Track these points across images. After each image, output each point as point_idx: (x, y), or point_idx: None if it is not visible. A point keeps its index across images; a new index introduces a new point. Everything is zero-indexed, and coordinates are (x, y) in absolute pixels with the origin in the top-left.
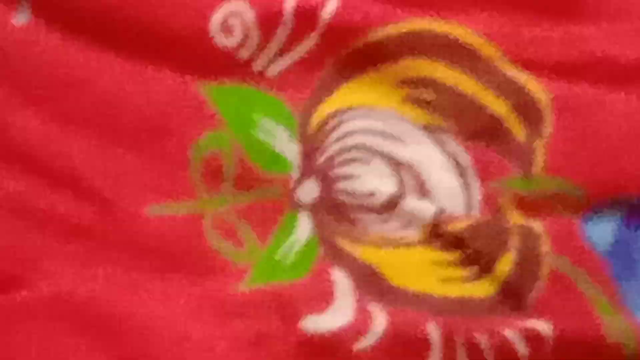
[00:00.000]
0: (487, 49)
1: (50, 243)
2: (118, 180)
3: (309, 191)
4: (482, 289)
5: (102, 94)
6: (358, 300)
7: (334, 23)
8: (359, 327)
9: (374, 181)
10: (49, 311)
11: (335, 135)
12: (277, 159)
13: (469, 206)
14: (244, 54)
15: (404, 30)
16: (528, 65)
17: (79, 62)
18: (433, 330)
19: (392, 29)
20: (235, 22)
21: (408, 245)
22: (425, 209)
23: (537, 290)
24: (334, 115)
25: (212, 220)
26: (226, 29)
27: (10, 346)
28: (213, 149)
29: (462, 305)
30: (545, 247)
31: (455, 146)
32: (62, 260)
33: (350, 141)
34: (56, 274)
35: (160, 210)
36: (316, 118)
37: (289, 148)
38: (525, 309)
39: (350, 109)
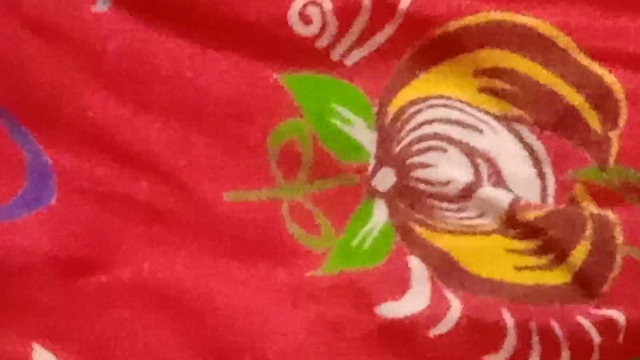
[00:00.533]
0: (563, 40)
1: (131, 228)
2: (198, 167)
3: (385, 179)
4: (556, 277)
5: (182, 82)
6: (434, 287)
7: (411, 13)
8: (435, 313)
9: (450, 170)
10: (129, 295)
11: (412, 124)
12: (354, 147)
13: (544, 195)
14: (322, 43)
15: (480, 21)
16: (602, 56)
17: (158, 50)
18: (508, 317)
19: (469, 20)
20: (314, 12)
21: (483, 233)
22: (501, 197)
23: (611, 279)
24: (410, 104)
25: (289, 207)
26: (305, 18)
27: (90, 330)
28: (291, 136)
29: (537, 293)
30: (619, 236)
31: (531, 136)
32: (143, 244)
33: (427, 130)
34: (136, 259)
35: (239, 197)
36: (393, 107)
37: (366, 136)
38: (598, 297)
39: (427, 98)
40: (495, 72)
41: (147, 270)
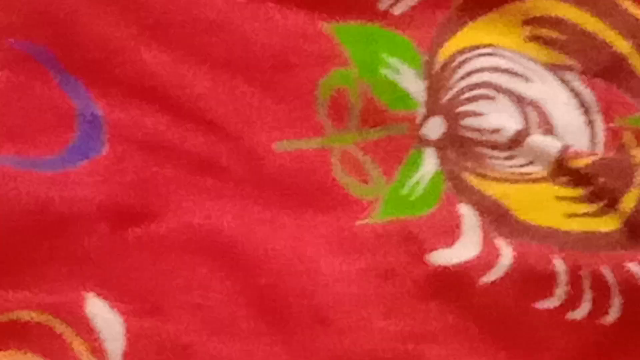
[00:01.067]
0: None
1: (181, 177)
2: (247, 117)
3: (435, 128)
4: (606, 224)
5: (231, 34)
6: (485, 234)
7: None
8: (486, 260)
9: (499, 118)
10: (179, 244)
11: (460, 73)
12: (403, 96)
13: (593, 143)
14: None
15: None
16: None
17: (207, 3)
18: (559, 264)
19: None
20: None
21: (533, 180)
22: (550, 145)
23: None
24: (459, 53)
25: (339, 156)
26: None
27: (142, 279)
28: (339, 86)
29: (587, 240)
30: None
31: (580, 84)
32: (193, 194)
33: (475, 79)
34: (187, 208)
35: (288, 146)
36: (442, 56)
37: (415, 86)
38: None
39: (475, 47)
40: (543, 21)
41: (198, 220)
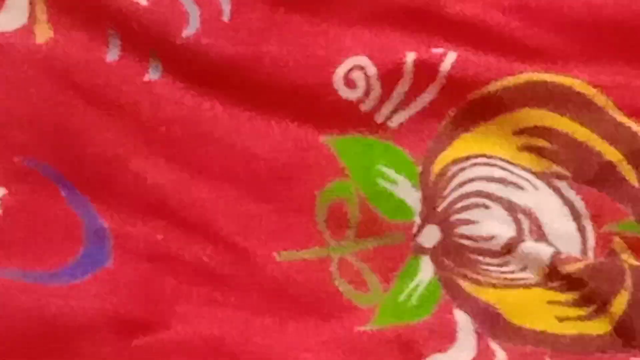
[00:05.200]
0: (600, 99)
1: (185, 288)
2: (249, 227)
3: (430, 236)
4: (597, 327)
5: (232, 147)
6: (479, 339)
7: (452, 76)
8: None
9: (493, 226)
10: (183, 353)
11: (455, 182)
12: (399, 206)
13: (584, 249)
14: (367, 106)
15: (520, 81)
16: (639, 113)
17: (209, 117)
18: None
19: (508, 81)
20: (358, 76)
21: (526, 286)
22: (542, 251)
23: None
24: (453, 163)
25: (338, 265)
26: (349, 82)
27: None
28: (338, 197)
29: (579, 343)
30: None
31: (570, 191)
32: (197, 304)
33: (469, 188)
34: (191, 317)
35: (290, 256)
36: (436, 166)
37: (410, 195)
38: (638, 346)
39: (469, 157)
40: (534, 131)
41: (201, 329)
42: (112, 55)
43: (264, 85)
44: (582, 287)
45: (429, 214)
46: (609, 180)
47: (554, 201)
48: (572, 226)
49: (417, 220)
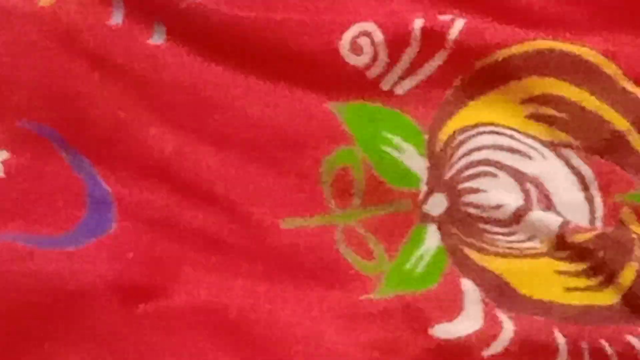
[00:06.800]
0: (609, 67)
1: (189, 254)
2: (254, 195)
3: (437, 204)
4: (606, 298)
5: (235, 112)
6: (486, 308)
7: (460, 43)
8: (488, 333)
9: (501, 194)
10: (187, 320)
11: (462, 150)
12: (405, 174)
13: (592, 218)
14: (373, 73)
15: (528, 49)
16: None
17: (212, 81)
18: (559, 337)
19: (516, 49)
20: (364, 42)
21: (534, 255)
22: (550, 221)
23: None
24: (460, 131)
25: (343, 233)
26: (356, 48)
27: (150, 355)
28: (343, 164)
29: (587, 313)
30: None
31: (579, 161)
32: (201, 271)
33: (477, 156)
34: (195, 284)
35: (294, 223)
36: (443, 134)
37: (417, 163)
38: None
39: (476, 125)
40: (542, 99)
41: (205, 296)
42: (116, 18)
43: (269, 51)
44: (591, 258)
45: (436, 182)
46: (618, 149)
47: (562, 170)
48: (580, 196)
49: (424, 188)
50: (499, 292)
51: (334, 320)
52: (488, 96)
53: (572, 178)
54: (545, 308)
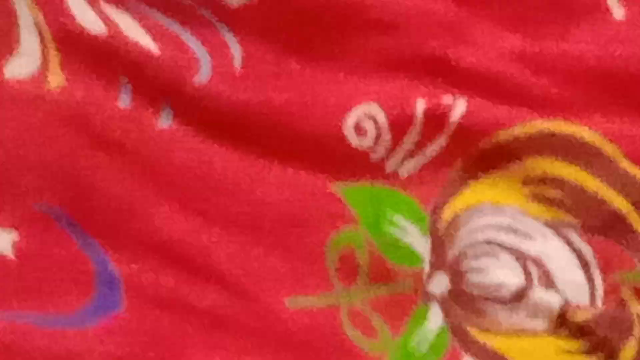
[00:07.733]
0: (608, 148)
1: (196, 334)
2: (259, 274)
3: (440, 284)
4: None
5: (242, 194)
6: None
7: (462, 125)
8: None
9: (502, 274)
10: None
11: (464, 230)
12: (409, 253)
13: (592, 297)
14: (377, 155)
15: (530, 130)
16: None
17: (220, 164)
18: None
19: (518, 130)
20: (368, 124)
21: (535, 334)
22: (552, 300)
23: None
24: (462, 211)
25: (347, 312)
26: (360, 130)
27: None
28: (347, 244)
29: None
30: None
31: (579, 240)
32: (208, 351)
33: (479, 236)
34: None
35: (299, 303)
36: (446, 214)
37: (420, 243)
38: None
39: (478, 205)
40: (544, 180)
41: None
42: (124, 102)
43: (275, 133)
44: (591, 336)
45: (438, 262)
46: (618, 229)
47: (563, 250)
48: (580, 275)
49: (427, 267)
50: None
51: None
52: (490, 177)
53: (573, 257)
54: None
